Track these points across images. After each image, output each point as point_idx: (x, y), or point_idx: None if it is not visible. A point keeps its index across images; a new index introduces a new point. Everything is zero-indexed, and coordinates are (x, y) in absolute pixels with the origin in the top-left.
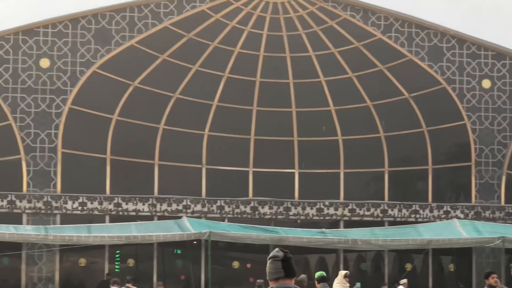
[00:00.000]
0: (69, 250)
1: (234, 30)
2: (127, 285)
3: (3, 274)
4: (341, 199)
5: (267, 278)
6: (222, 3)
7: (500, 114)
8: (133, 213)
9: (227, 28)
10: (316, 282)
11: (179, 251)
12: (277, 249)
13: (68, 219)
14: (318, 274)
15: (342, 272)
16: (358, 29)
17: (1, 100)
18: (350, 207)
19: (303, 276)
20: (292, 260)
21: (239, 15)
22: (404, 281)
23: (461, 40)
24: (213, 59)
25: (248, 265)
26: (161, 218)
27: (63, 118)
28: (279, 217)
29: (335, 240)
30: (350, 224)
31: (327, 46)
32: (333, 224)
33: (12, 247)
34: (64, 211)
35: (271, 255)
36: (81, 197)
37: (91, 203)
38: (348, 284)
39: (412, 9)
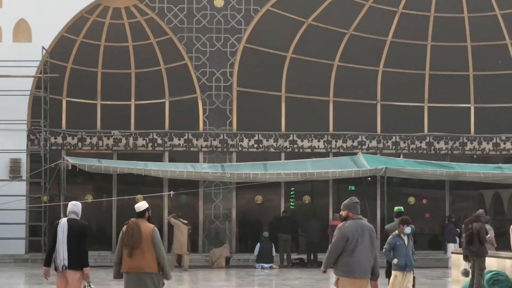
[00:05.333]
0: (245, 187)
1: None
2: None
3: (181, 211)
4: None
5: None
6: None
7: None
8: (308, 150)
9: None
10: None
11: (352, 188)
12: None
13: (244, 156)
14: (396, 208)
15: None
16: None
17: (177, 40)
18: None
19: (480, 211)
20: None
21: None
22: None
23: None
24: None
25: (424, 201)
26: (336, 154)
27: (238, 56)
28: (455, 152)
29: None
30: None
31: None
32: (510, 158)
33: (189, 185)
34: (240, 149)
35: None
36: (256, 135)
37: (267, 140)
38: None
39: None
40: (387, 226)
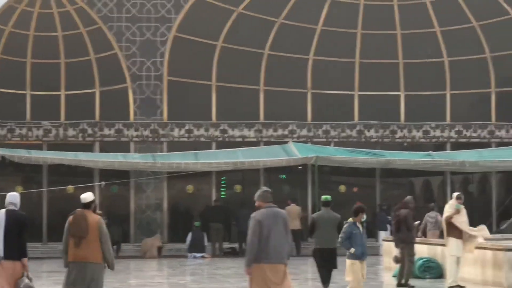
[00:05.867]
0: (176, 177)
1: None
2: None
3: (112, 202)
4: (448, 121)
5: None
6: None
7: None
8: (239, 139)
9: None
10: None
11: (284, 176)
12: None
13: (175, 146)
14: (324, 197)
15: (455, 194)
16: None
17: (107, 30)
18: (456, 128)
19: (408, 197)
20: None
21: None
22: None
23: None
24: None
25: (355, 189)
26: (267, 143)
27: (168, 46)
28: (385, 140)
29: (443, 163)
30: (456, 146)
31: None
32: (440, 146)
33: (120, 175)
34: (171, 138)
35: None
36: (187, 124)
37: (198, 130)
38: (462, 206)
39: None
40: (314, 215)
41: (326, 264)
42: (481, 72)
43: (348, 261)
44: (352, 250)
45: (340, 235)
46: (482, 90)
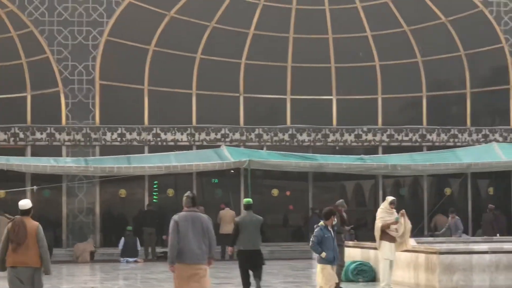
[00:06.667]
0: (109, 181)
1: None
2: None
3: (44, 206)
4: (379, 125)
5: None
6: None
7: None
8: (172, 143)
9: None
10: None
11: (216, 180)
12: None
13: (107, 150)
14: (246, 200)
15: (388, 198)
16: None
17: (38, 33)
18: (388, 132)
19: (340, 201)
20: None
21: None
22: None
23: None
24: None
25: (288, 193)
26: (199, 147)
27: (100, 49)
28: (318, 144)
29: (375, 166)
30: (388, 150)
31: None
32: (372, 150)
33: (52, 180)
34: (103, 142)
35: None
36: (119, 128)
37: (130, 134)
38: (394, 211)
39: None
40: (237, 219)
41: (250, 265)
42: (412, 76)
43: (318, 266)
44: (324, 254)
45: (311, 239)
46: (413, 94)
